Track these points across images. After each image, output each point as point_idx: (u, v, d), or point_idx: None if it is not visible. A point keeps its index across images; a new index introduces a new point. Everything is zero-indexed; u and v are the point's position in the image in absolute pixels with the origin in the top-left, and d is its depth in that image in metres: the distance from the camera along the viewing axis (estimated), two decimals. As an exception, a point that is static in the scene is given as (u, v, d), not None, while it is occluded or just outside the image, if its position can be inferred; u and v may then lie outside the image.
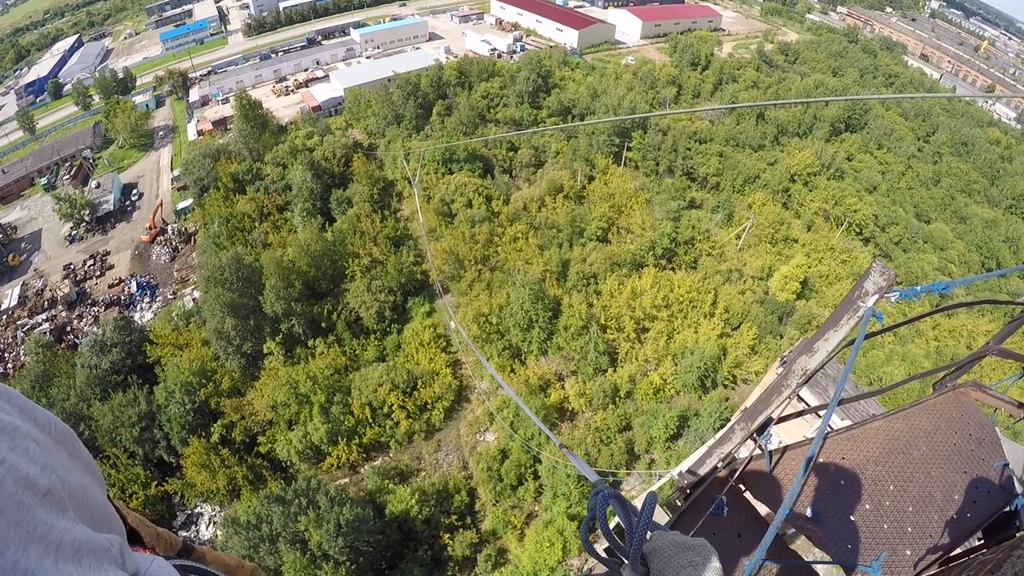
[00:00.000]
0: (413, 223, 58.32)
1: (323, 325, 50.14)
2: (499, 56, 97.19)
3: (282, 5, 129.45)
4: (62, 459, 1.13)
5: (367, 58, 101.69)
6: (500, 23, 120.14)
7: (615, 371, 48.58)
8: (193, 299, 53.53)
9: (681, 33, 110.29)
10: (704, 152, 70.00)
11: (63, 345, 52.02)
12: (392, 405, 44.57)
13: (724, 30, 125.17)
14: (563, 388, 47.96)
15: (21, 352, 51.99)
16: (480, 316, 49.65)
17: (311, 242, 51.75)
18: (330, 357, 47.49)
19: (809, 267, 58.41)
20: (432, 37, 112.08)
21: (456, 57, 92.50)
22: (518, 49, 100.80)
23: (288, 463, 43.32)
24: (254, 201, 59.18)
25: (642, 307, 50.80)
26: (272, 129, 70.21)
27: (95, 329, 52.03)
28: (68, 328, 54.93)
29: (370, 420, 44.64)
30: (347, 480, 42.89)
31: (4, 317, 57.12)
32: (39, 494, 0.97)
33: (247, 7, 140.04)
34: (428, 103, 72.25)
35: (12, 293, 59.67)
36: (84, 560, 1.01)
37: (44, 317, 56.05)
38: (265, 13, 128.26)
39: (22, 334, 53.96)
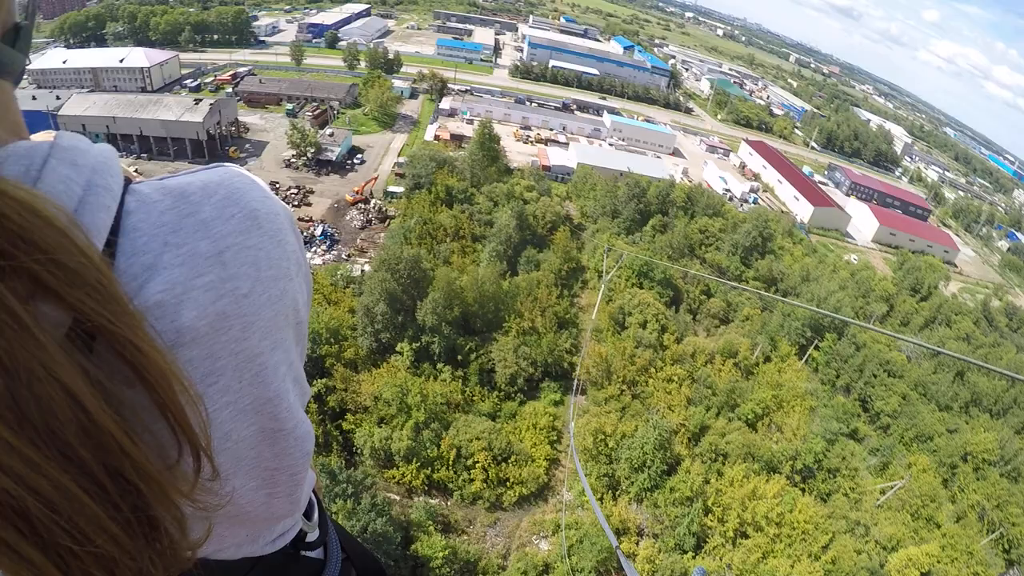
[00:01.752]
0: (585, 315, 59.32)
1: (459, 358, 51.52)
2: (730, 198, 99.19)
3: (552, 62, 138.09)
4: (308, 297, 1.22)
5: (609, 144, 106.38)
6: (743, 167, 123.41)
7: (694, 558, 45.69)
8: (362, 270, 56.47)
9: (912, 252, 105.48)
10: (889, 387, 65.99)
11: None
12: (477, 462, 44.63)
13: (956, 266, 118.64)
14: (637, 544, 45.56)
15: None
16: (600, 432, 48.96)
17: (486, 281, 53.68)
18: (449, 387, 48.68)
19: (939, 561, 53.10)
20: (675, 153, 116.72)
21: (690, 182, 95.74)
22: (750, 200, 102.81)
23: (358, 451, 44.54)
24: (455, 219, 62.42)
25: (754, 511, 47.96)
26: (500, 166, 74.27)
27: None
28: None
29: (450, 462, 44.59)
30: (397, 498, 43.27)
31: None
32: (299, 322, 1.10)
33: (521, 50, 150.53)
34: (647, 212, 74.29)
35: None
36: (302, 398, 1.13)
37: None
38: (535, 63, 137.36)
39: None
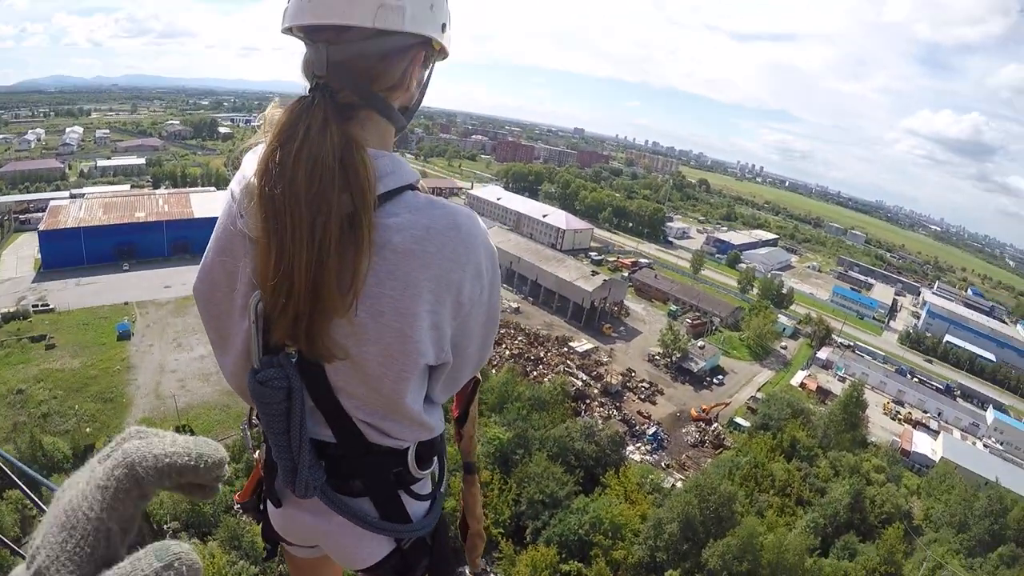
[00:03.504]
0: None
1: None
2: None
3: (947, 337, 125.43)
4: None
5: (985, 445, 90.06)
6: None
7: None
8: (674, 484, 56.51)
9: None
10: None
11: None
12: None
13: None
14: None
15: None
16: None
17: (791, 551, 48.47)
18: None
19: None
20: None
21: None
22: None
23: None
24: (789, 474, 59.62)
25: None
26: (856, 436, 69.34)
27: (594, 416, 61.06)
28: (586, 400, 65.27)
29: None
30: None
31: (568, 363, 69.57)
32: (458, 303, 1.49)
33: (918, 317, 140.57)
34: (1001, 537, 60.18)
35: (581, 347, 75.66)
36: (436, 348, 1.52)
37: (585, 376, 68.96)
38: (929, 334, 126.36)
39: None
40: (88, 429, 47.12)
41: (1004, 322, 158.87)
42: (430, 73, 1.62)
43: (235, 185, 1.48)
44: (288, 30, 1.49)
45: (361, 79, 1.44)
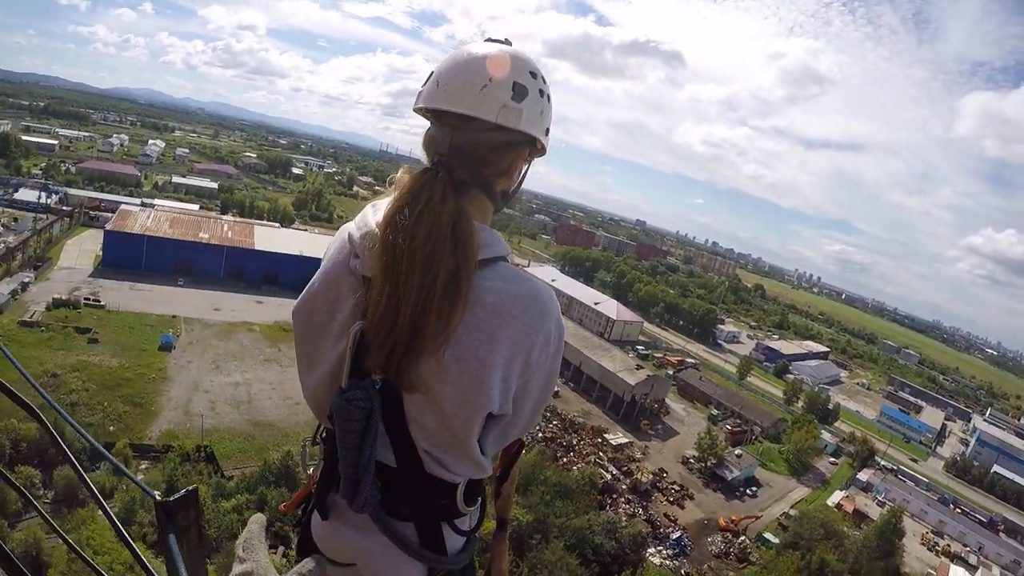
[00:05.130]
0: None
1: None
2: None
3: (996, 468, 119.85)
4: None
5: None
6: None
7: None
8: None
9: None
10: None
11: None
12: None
13: None
14: None
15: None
16: None
17: None
18: None
19: None
20: None
21: None
22: None
23: None
24: (815, 601, 58.10)
25: None
26: (890, 565, 66.97)
27: (619, 512, 61.82)
28: (613, 495, 65.63)
29: None
30: None
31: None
32: (527, 362, 1.68)
33: (966, 444, 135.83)
34: None
35: (616, 440, 76.91)
36: (502, 400, 1.70)
37: (616, 470, 70.25)
38: (976, 463, 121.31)
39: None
40: (112, 428, 48.43)
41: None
42: (528, 167, 1.95)
43: (355, 230, 1.73)
44: (421, 110, 1.82)
45: (476, 163, 1.73)
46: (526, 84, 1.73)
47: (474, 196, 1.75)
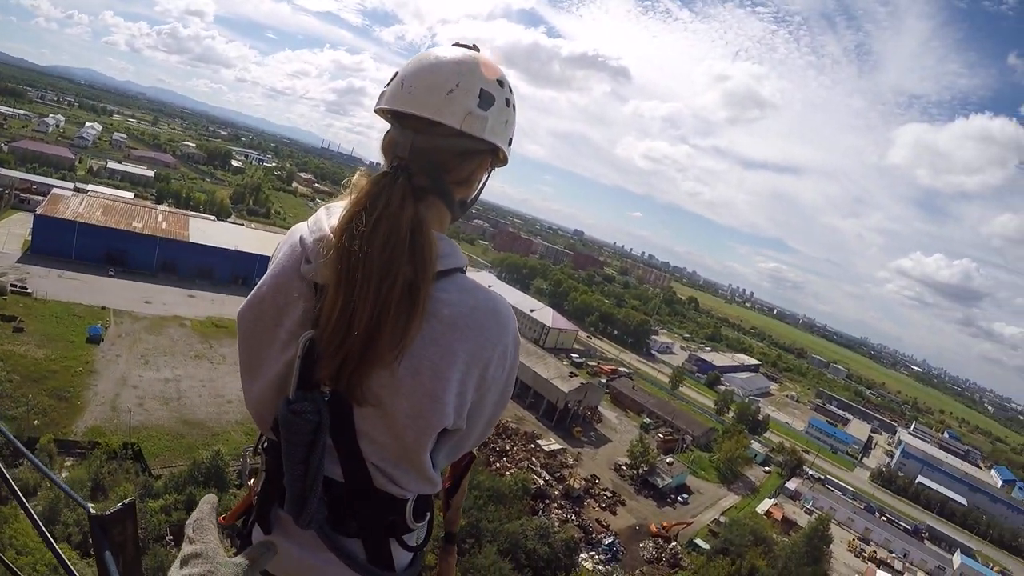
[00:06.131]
0: None
1: None
2: None
3: (920, 478, 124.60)
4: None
5: None
6: None
7: None
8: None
9: None
10: None
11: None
12: None
13: None
14: None
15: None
16: None
17: None
18: None
19: None
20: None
21: None
22: None
23: None
24: (746, 604, 58.17)
25: None
26: (817, 571, 68.05)
27: (551, 517, 59.94)
28: (546, 500, 64.00)
29: None
30: None
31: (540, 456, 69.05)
32: (483, 377, 1.63)
33: (891, 456, 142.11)
34: None
35: (549, 447, 74.98)
36: (457, 415, 1.63)
37: (549, 476, 68.55)
38: (901, 474, 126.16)
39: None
40: (36, 422, 46.07)
41: (979, 467, 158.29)
42: (488, 177, 1.89)
43: (307, 233, 1.64)
44: (382, 111, 1.73)
45: (437, 169, 1.66)
46: (493, 92, 1.69)
47: (432, 203, 1.70)
